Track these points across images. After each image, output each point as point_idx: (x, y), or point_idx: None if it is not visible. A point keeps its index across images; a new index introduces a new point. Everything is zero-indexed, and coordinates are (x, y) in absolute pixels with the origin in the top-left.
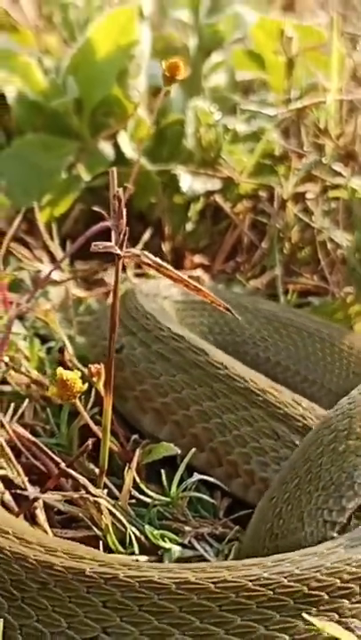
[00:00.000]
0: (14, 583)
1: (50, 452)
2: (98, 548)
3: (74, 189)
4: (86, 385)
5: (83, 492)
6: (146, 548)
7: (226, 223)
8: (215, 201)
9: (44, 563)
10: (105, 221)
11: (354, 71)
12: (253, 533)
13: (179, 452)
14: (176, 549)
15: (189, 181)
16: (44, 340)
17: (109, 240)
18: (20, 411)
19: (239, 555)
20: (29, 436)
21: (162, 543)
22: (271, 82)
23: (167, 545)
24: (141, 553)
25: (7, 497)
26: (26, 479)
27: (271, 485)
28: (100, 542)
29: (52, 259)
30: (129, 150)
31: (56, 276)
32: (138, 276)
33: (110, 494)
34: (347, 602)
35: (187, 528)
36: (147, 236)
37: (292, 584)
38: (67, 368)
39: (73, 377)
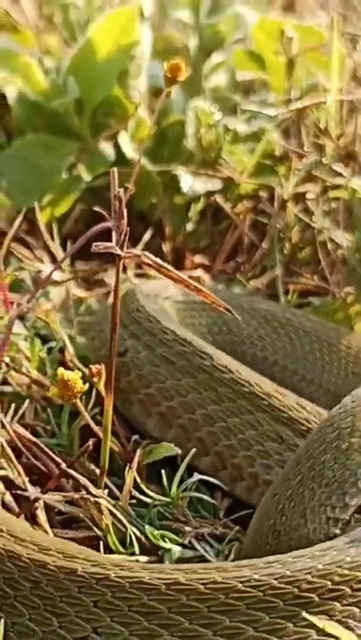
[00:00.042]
0: (7, 581)
1: (50, 453)
2: (98, 548)
3: (74, 189)
4: (87, 385)
5: (83, 492)
6: (146, 549)
7: (226, 223)
8: (216, 201)
9: (36, 562)
10: (106, 222)
11: (354, 71)
12: (256, 530)
13: (179, 452)
14: (176, 550)
15: (190, 182)
16: (44, 340)
17: (110, 240)
18: (21, 411)
19: (240, 553)
20: (30, 437)
21: (162, 543)
22: (272, 82)
23: (167, 545)
24: (142, 553)
25: (8, 497)
26: (26, 479)
27: (274, 482)
28: (101, 542)
29: (53, 259)
30: (130, 150)
31: (57, 276)
32: (138, 276)
33: (111, 494)
34: (338, 604)
35: (187, 528)
36: (147, 236)
37: (282, 586)
38: (67, 368)
39: (74, 377)
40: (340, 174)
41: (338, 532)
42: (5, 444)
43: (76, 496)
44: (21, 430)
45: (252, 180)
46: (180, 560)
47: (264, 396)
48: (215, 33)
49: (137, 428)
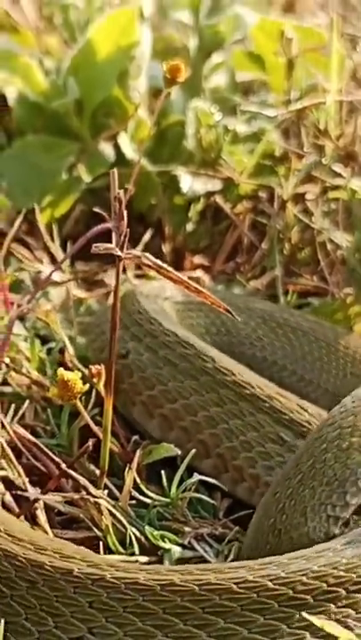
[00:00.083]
0: (4, 581)
1: (50, 453)
2: (98, 548)
3: (74, 190)
4: (87, 386)
5: (83, 492)
6: (146, 549)
7: (226, 224)
8: (215, 202)
9: (33, 561)
10: (106, 223)
11: (354, 72)
12: (256, 529)
13: (179, 452)
14: (176, 550)
15: (190, 182)
16: (44, 340)
17: (110, 241)
18: (21, 411)
19: (240, 552)
20: (30, 437)
21: (162, 544)
22: (271, 83)
23: (167, 545)
24: (141, 554)
25: (8, 498)
26: (26, 480)
27: (274, 481)
28: (101, 543)
29: (53, 260)
30: (129, 151)
31: (57, 276)
32: (138, 277)
33: (111, 495)
34: (333, 606)
35: (187, 529)
36: (147, 236)
37: (277, 587)
38: (67, 369)
39: (74, 378)
40: (339, 175)
41: (338, 530)
42: (5, 445)
43: (76, 496)
44: (21, 431)
45: (252, 181)
46: (180, 560)
47: (266, 398)
48: (215, 33)
49: (137, 429)
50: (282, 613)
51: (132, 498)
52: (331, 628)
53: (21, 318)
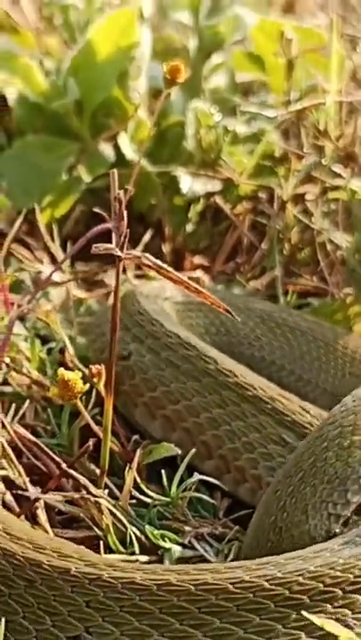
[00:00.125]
0: (2, 579)
1: (51, 453)
2: (98, 547)
3: (74, 191)
4: (87, 385)
5: (84, 492)
6: (146, 548)
7: (226, 224)
8: (215, 202)
9: (31, 560)
10: (106, 223)
11: (353, 73)
12: (257, 527)
13: (179, 452)
14: (176, 549)
15: (189, 183)
16: (44, 340)
17: (110, 241)
18: (22, 411)
19: (241, 550)
20: (30, 437)
21: (162, 543)
22: (271, 83)
23: (167, 545)
24: (142, 553)
25: (8, 497)
26: (27, 479)
27: (275, 479)
28: (101, 542)
29: (53, 260)
30: (129, 152)
31: (57, 277)
32: (138, 277)
33: (111, 494)
34: (329, 606)
35: (187, 528)
36: (147, 237)
37: (273, 587)
38: (68, 369)
39: (74, 377)
40: (339, 175)
41: (339, 528)
42: (6, 445)
43: (77, 496)
44: (22, 430)
45: (252, 181)
46: (180, 560)
47: (268, 399)
48: (215, 34)
49: (137, 429)
50: (278, 613)
51: (132, 497)
52: (331, 626)
53: (22, 318)
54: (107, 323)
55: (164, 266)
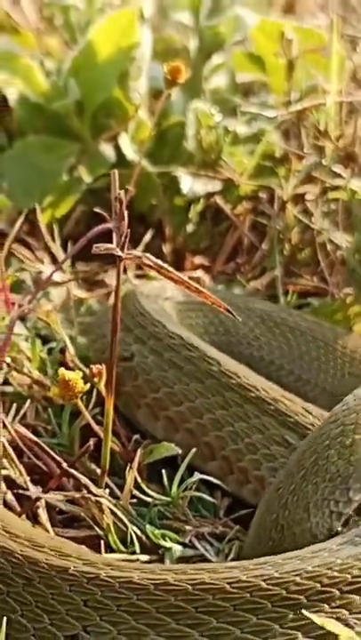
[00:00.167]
0: (0, 577)
1: (52, 452)
2: (99, 547)
3: (75, 191)
4: (88, 385)
5: (84, 491)
6: (147, 548)
7: (226, 224)
8: (216, 202)
9: (30, 559)
10: (106, 223)
11: (354, 73)
12: (259, 525)
13: (180, 451)
14: (177, 549)
15: (190, 183)
16: (45, 340)
17: (110, 241)
18: (22, 411)
19: (242, 548)
20: (31, 437)
21: (163, 542)
22: (271, 84)
23: (168, 544)
24: (142, 552)
25: (9, 497)
26: (28, 479)
27: (277, 477)
28: (102, 542)
29: (54, 260)
30: (130, 152)
31: (57, 277)
32: (139, 277)
33: (112, 494)
34: (326, 606)
35: (187, 527)
36: (148, 237)
37: (270, 587)
38: (68, 368)
39: (74, 377)
40: (339, 175)
41: (340, 526)
42: (7, 444)
43: (77, 495)
44: (23, 430)
45: (252, 182)
46: (181, 559)
47: (271, 401)
48: (215, 35)
49: (138, 429)
50: (275, 613)
51: (132, 497)
52: (331, 626)
53: (22, 318)
54: (107, 323)
55: (165, 266)
